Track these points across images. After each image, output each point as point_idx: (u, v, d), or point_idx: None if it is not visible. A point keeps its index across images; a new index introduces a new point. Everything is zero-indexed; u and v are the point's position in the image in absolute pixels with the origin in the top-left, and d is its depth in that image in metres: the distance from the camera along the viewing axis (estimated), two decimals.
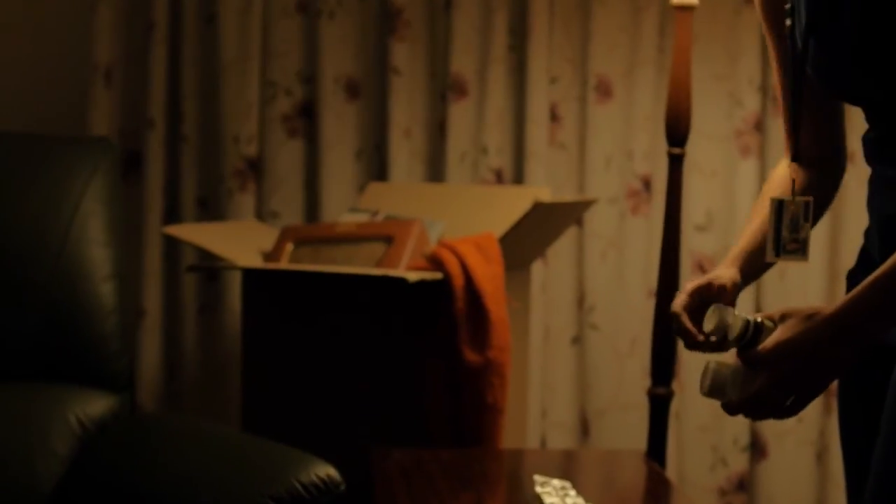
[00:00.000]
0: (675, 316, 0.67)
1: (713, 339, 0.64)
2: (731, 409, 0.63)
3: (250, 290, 1.19)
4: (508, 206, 1.29)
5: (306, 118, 1.53)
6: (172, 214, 1.53)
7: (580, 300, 1.55)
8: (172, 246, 1.49)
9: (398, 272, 1.07)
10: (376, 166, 1.55)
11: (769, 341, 0.61)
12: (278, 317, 1.18)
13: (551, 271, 1.54)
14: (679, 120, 1.06)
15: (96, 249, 1.05)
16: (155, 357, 1.51)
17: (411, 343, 1.13)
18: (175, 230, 1.21)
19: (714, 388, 0.63)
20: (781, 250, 0.67)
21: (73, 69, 1.54)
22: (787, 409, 0.62)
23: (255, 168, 1.51)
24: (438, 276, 1.09)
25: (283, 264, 1.19)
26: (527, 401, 1.34)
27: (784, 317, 0.61)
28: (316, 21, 1.51)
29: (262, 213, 1.54)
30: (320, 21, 1.50)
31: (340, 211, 1.52)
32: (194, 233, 1.22)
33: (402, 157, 1.51)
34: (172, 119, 1.51)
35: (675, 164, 1.08)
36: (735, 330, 0.62)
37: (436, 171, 1.55)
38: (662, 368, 1.09)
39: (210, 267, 1.10)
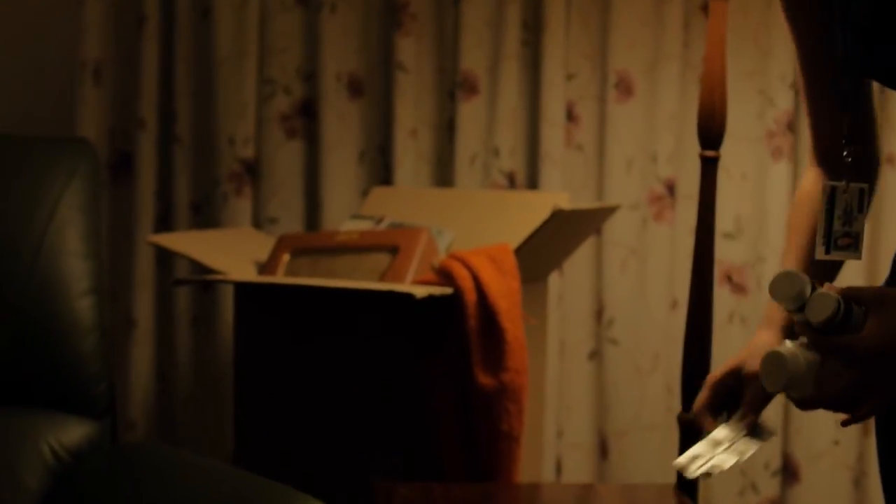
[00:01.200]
0: (697, 417, 0.61)
1: (793, 317, 0.54)
2: (806, 404, 0.55)
3: (243, 305, 1.10)
4: (523, 213, 1.20)
5: (306, 118, 1.45)
6: (165, 220, 1.46)
7: (598, 313, 1.45)
8: (165, 254, 1.41)
9: (404, 287, 0.98)
10: (380, 169, 1.46)
11: (868, 331, 0.51)
12: (273, 334, 1.09)
13: (567, 282, 1.44)
14: (712, 119, 0.97)
15: (73, 261, 0.96)
16: (146, 371, 1.44)
17: (418, 365, 1.03)
18: (162, 239, 1.11)
19: (791, 382, 0.53)
20: (832, 245, 0.58)
21: (59, 66, 1.47)
22: (875, 409, 0.54)
23: (252, 171, 1.43)
24: (448, 291, 1.00)
25: (278, 278, 1.09)
26: (543, 422, 1.24)
27: (879, 301, 0.52)
28: (316, 15, 1.42)
29: (260, 219, 1.46)
30: (321, 15, 1.42)
31: (342, 216, 1.43)
32: (183, 242, 1.12)
33: (407, 160, 1.43)
34: (165, 119, 1.44)
35: (709, 168, 0.98)
36: (825, 312, 0.52)
37: (444, 174, 1.46)
38: (694, 392, 0.99)
39: (198, 280, 1.00)
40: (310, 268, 1.10)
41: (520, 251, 1.06)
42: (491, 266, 1.01)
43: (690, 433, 1.01)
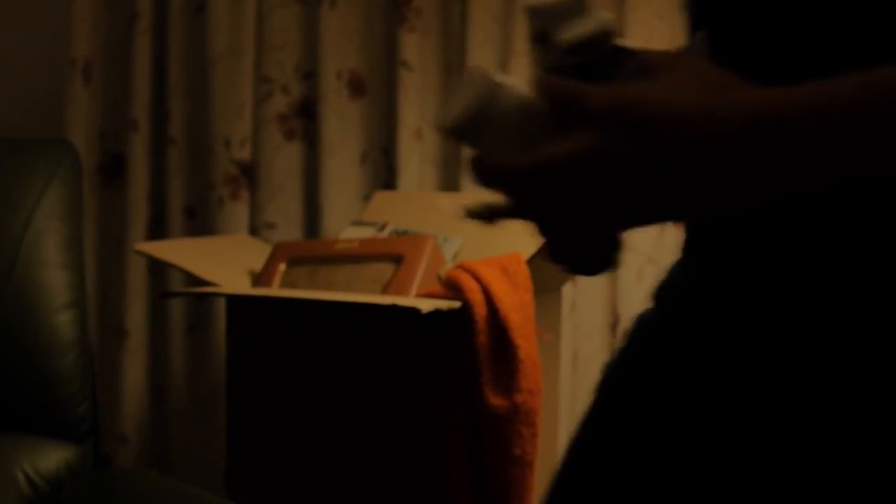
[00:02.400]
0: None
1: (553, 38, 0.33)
2: (488, 173, 0.32)
3: (236, 319, 1.03)
4: None
5: (305, 118, 1.39)
6: (158, 225, 1.40)
7: (613, 324, 1.38)
8: (157, 260, 1.33)
9: (408, 300, 0.90)
10: (383, 172, 1.39)
11: (631, 89, 0.31)
12: (267, 350, 1.01)
13: (580, 291, 1.37)
14: None
15: (52, 273, 0.89)
16: (138, 382, 1.38)
17: (423, 385, 0.95)
18: (150, 248, 1.04)
19: (479, 122, 0.31)
20: None
21: (47, 64, 1.42)
22: (588, 211, 0.32)
23: (249, 174, 1.37)
24: (456, 304, 0.92)
25: (273, 290, 1.02)
26: (557, 442, 1.16)
27: (671, 63, 0.33)
28: (316, 10, 1.35)
29: (257, 224, 1.39)
30: (321, 10, 1.35)
31: (343, 221, 1.37)
32: (172, 251, 1.05)
33: (412, 162, 1.35)
34: (157, 120, 1.38)
35: None
36: (582, 31, 0.32)
37: (450, 177, 1.39)
38: None
39: (186, 293, 0.93)
40: (307, 278, 1.03)
41: (533, 261, 0.98)
42: (502, 278, 0.94)
43: None
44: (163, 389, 1.40)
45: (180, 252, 1.07)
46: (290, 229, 1.39)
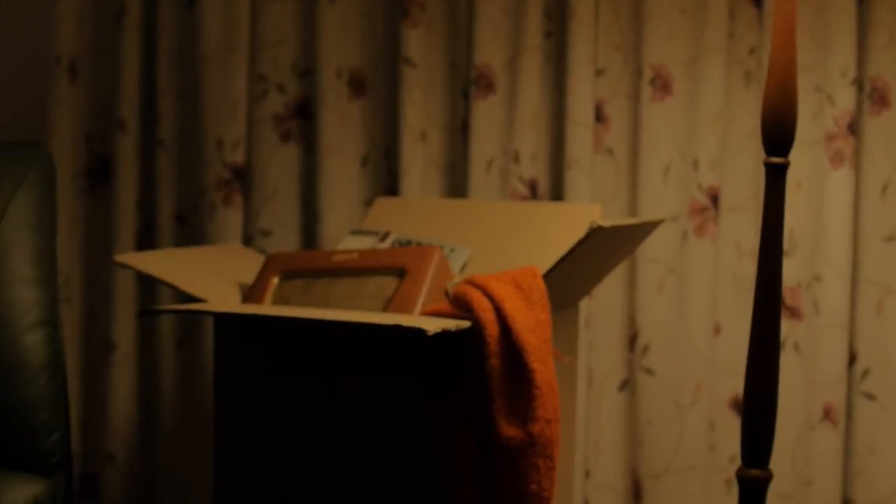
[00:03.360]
0: None
1: None
2: None
3: (224, 337, 0.94)
4: (549, 228, 1.04)
5: (302, 119, 1.31)
6: (147, 232, 1.34)
7: (631, 338, 1.29)
8: None
9: (412, 319, 0.82)
10: (385, 177, 1.32)
11: None
12: (258, 371, 0.93)
13: (596, 304, 1.28)
14: (782, 119, 0.80)
15: (20, 289, 0.82)
16: (126, 398, 1.31)
17: (430, 412, 0.86)
18: (133, 259, 0.96)
19: None
20: None
21: (30, 62, 1.34)
22: None
23: (243, 178, 1.29)
24: (466, 324, 0.83)
25: (263, 307, 0.94)
26: (573, 464, 1.08)
27: None
28: (314, 4, 1.28)
29: (251, 232, 1.32)
30: (319, 4, 1.27)
31: (342, 228, 1.29)
32: (157, 263, 0.97)
33: (415, 166, 1.27)
34: (146, 120, 1.31)
35: (776, 178, 0.82)
36: None
37: (456, 182, 1.31)
38: (758, 442, 0.83)
39: (166, 310, 0.85)
40: (302, 293, 0.95)
41: (550, 276, 0.90)
42: (516, 294, 0.85)
43: (752, 492, 0.85)
44: (152, 406, 1.33)
45: (166, 263, 0.99)
46: (286, 237, 1.32)
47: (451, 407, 0.85)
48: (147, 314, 0.82)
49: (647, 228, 1.00)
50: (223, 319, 0.90)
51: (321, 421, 0.90)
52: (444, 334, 0.80)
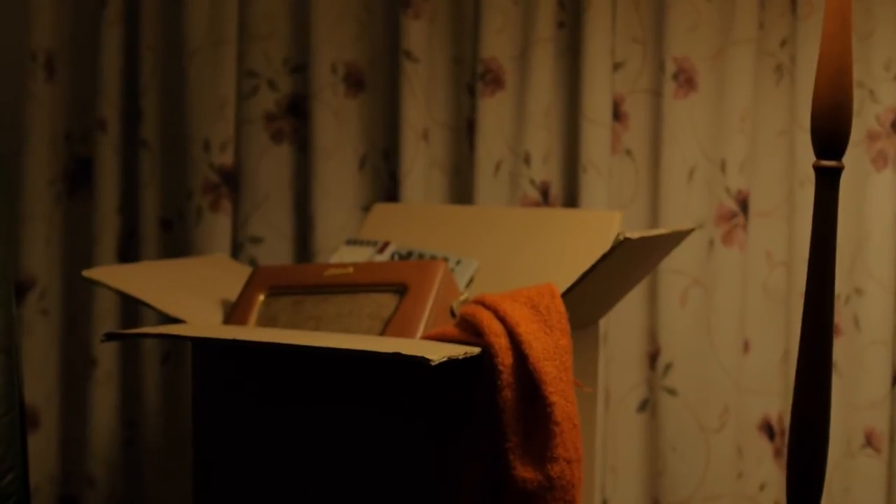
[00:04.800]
0: None
1: None
2: None
3: (202, 361, 0.85)
4: (566, 237, 0.94)
5: (295, 118, 1.22)
6: (130, 239, 1.26)
7: (652, 356, 1.19)
8: None
9: (414, 346, 0.72)
10: (384, 180, 1.22)
11: None
12: (241, 401, 0.84)
13: (614, 318, 1.18)
14: (835, 118, 0.70)
15: None
16: (108, 417, 1.23)
17: (434, 451, 0.76)
18: (101, 274, 0.86)
19: None
20: None
21: (4, 57, 1.26)
22: None
23: (231, 181, 1.21)
24: (475, 351, 0.73)
25: (245, 329, 0.84)
26: (592, 494, 0.98)
27: None
28: None
29: (240, 239, 1.23)
30: None
31: (340, 235, 1.20)
32: (129, 277, 0.88)
33: (417, 168, 1.18)
34: (129, 119, 1.23)
35: (828, 183, 0.72)
36: None
37: (462, 186, 1.22)
38: (806, 476, 0.72)
39: (135, 335, 0.76)
40: (290, 312, 0.86)
41: (569, 295, 0.79)
42: (532, 317, 0.75)
43: None
44: (135, 425, 1.26)
45: (142, 279, 0.90)
46: (278, 245, 1.23)
47: (459, 445, 0.75)
48: (113, 339, 0.74)
49: (676, 238, 0.90)
50: (201, 340, 0.81)
51: (311, 453, 0.80)
52: (451, 362, 0.70)
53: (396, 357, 0.69)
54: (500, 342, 0.74)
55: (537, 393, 0.73)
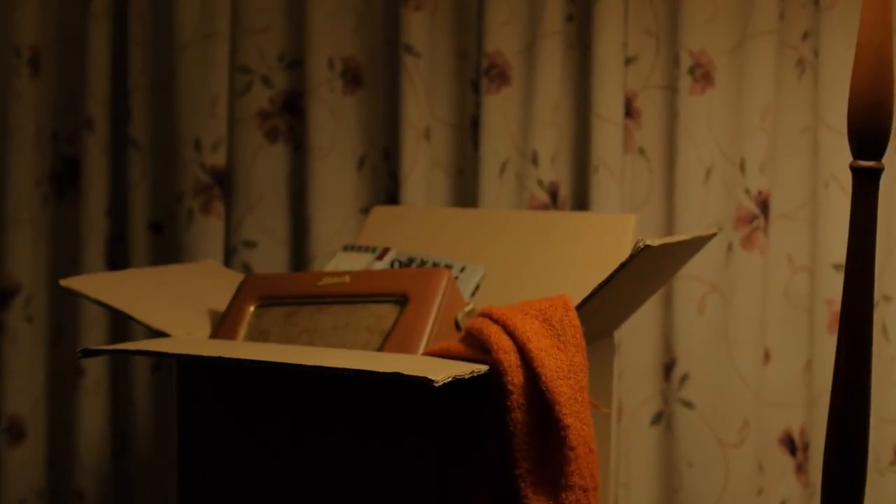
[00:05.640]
0: None
1: None
2: None
3: (186, 377, 0.79)
4: (579, 243, 0.88)
5: (291, 115, 1.17)
6: (118, 242, 1.22)
7: (667, 366, 1.13)
8: None
9: (416, 364, 0.66)
10: (384, 181, 1.17)
11: None
12: (229, 422, 0.78)
13: (626, 326, 1.12)
14: (875, 114, 0.64)
15: None
16: (97, 428, 1.18)
17: (437, 479, 0.70)
18: (78, 283, 0.81)
19: None
20: None
21: None
22: None
23: (224, 182, 1.16)
24: (483, 369, 0.67)
25: (231, 345, 0.78)
26: None
27: None
28: None
29: (233, 243, 1.18)
30: None
31: (337, 239, 1.15)
32: (109, 286, 0.82)
33: (419, 169, 1.13)
34: (117, 118, 1.18)
35: (867, 184, 0.66)
36: None
37: (466, 187, 1.16)
38: (845, 500, 0.66)
39: (110, 351, 0.70)
40: (282, 325, 0.80)
41: (584, 307, 0.73)
42: (544, 332, 0.69)
43: None
44: (125, 436, 1.21)
45: (124, 287, 0.84)
46: (272, 249, 1.18)
47: (466, 470, 0.69)
48: (91, 355, 0.68)
49: (697, 244, 0.84)
50: (185, 360, 0.75)
51: (303, 477, 0.74)
52: (456, 382, 0.64)
53: (396, 377, 0.63)
54: (510, 359, 0.68)
55: (550, 415, 0.67)
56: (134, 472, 1.20)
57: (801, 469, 1.12)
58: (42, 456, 1.22)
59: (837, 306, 1.10)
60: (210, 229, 1.15)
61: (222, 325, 0.82)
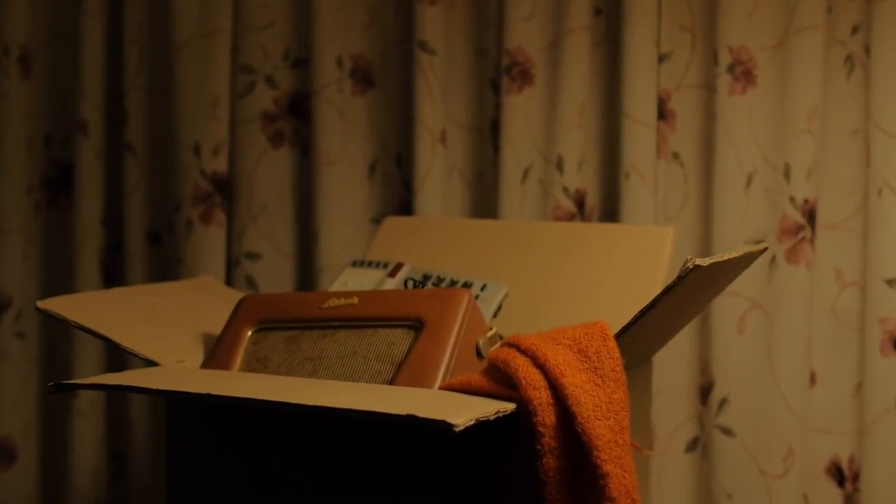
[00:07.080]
0: None
1: None
2: None
3: (176, 414, 0.72)
4: (612, 258, 0.80)
5: (296, 118, 1.11)
6: (114, 253, 1.17)
7: (705, 390, 1.05)
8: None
9: (433, 404, 0.58)
10: (397, 188, 1.10)
11: None
12: (221, 463, 0.70)
13: None
14: None
15: None
16: (93, 450, 1.14)
17: None
18: (56, 305, 0.73)
19: None
20: None
21: None
22: None
23: (225, 190, 1.10)
24: (510, 408, 0.59)
25: (226, 378, 0.70)
26: None
27: None
28: None
29: (235, 254, 1.12)
30: None
31: (347, 250, 1.08)
32: (92, 307, 0.75)
33: (434, 175, 1.05)
34: (112, 121, 1.13)
35: None
36: None
37: (486, 196, 1.09)
38: None
39: (84, 386, 0.63)
40: (283, 352, 0.72)
41: (624, 336, 0.65)
42: (579, 364, 0.60)
43: None
44: (122, 459, 1.16)
45: (110, 309, 0.77)
46: (277, 261, 1.12)
47: None
48: (60, 390, 0.61)
49: (746, 261, 0.75)
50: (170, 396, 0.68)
51: None
52: (480, 425, 0.56)
53: (410, 420, 0.55)
54: (541, 396, 0.59)
55: (587, 460, 0.59)
56: (130, 496, 1.16)
57: (849, 501, 1.04)
58: (34, 479, 1.19)
59: (891, 325, 1.01)
60: (211, 240, 1.09)
61: (216, 351, 0.74)
